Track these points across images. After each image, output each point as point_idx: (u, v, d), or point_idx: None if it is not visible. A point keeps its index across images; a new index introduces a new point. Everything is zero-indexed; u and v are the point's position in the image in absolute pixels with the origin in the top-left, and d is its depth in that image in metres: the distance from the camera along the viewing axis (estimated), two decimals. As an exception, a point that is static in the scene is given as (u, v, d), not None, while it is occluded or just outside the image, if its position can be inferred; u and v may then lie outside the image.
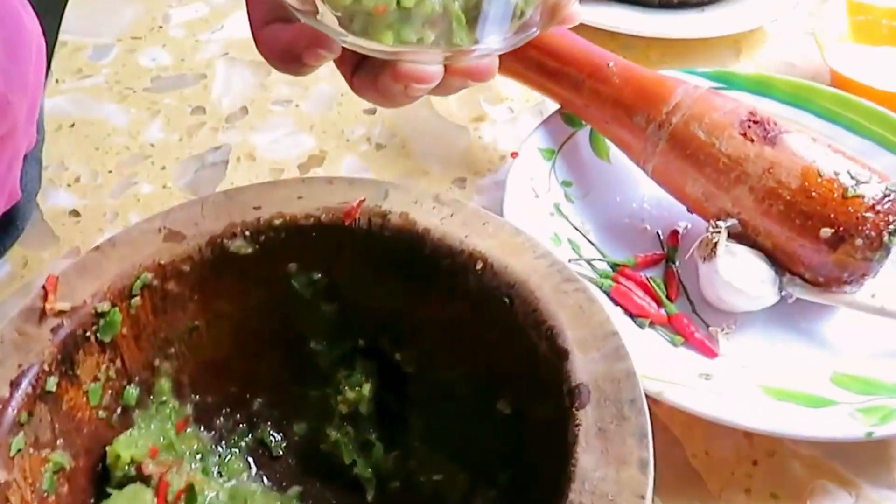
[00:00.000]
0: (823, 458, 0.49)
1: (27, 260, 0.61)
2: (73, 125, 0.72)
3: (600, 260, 0.58)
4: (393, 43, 0.34)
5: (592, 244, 0.59)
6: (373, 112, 0.72)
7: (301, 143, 0.70)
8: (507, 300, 0.37)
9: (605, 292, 0.56)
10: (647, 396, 0.47)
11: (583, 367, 0.33)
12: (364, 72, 0.39)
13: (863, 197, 0.51)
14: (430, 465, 0.42)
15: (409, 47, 0.34)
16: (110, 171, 0.68)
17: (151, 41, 0.80)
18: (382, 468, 0.43)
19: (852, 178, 0.52)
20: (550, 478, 0.32)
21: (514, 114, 0.73)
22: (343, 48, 0.36)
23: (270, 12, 0.39)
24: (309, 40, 0.37)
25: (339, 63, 0.40)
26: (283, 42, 0.38)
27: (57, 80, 0.76)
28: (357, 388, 0.42)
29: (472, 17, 0.33)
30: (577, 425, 0.31)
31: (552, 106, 0.66)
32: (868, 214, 0.51)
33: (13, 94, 0.56)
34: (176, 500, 0.37)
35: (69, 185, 0.66)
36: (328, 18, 0.34)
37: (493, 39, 0.35)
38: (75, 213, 0.64)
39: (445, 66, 0.37)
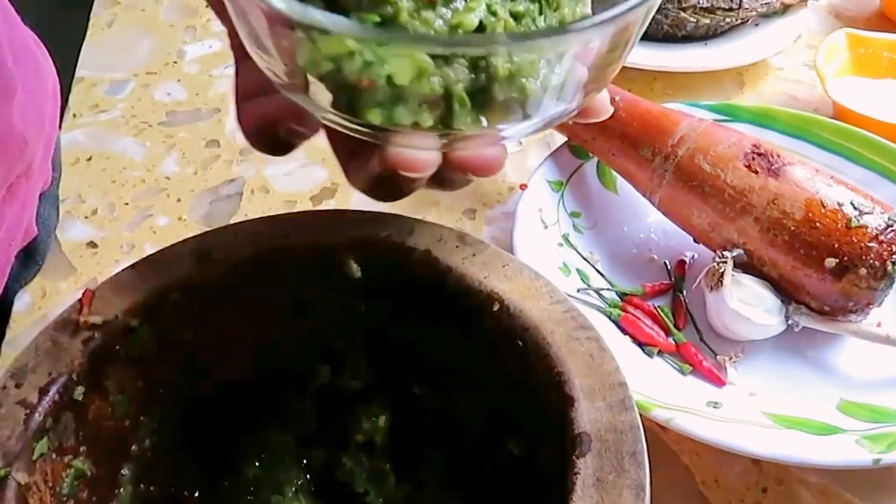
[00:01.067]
0: (832, 486, 0.50)
1: (46, 291, 0.62)
2: (90, 159, 0.73)
3: (608, 289, 0.59)
4: (381, 123, 0.29)
5: (601, 274, 0.60)
6: (383, 145, 0.73)
7: (314, 176, 0.71)
8: (520, 343, 0.37)
9: (613, 321, 0.56)
10: (656, 423, 0.49)
11: (587, 415, 0.33)
12: (356, 159, 0.35)
13: (866, 227, 0.52)
14: (440, 501, 0.43)
15: (399, 129, 0.29)
16: (127, 204, 0.69)
17: (166, 76, 0.82)
18: (394, 500, 0.44)
19: (855, 208, 0.53)
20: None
21: (522, 146, 0.74)
22: (337, 131, 0.31)
23: (257, 87, 0.35)
24: (284, 114, 0.33)
25: (335, 146, 0.38)
26: (259, 115, 0.35)
27: (74, 115, 0.77)
28: (374, 419, 0.43)
29: (479, 100, 0.29)
30: (575, 473, 0.31)
31: (560, 138, 0.67)
32: (872, 244, 0.52)
33: (30, 132, 0.58)
34: None
35: (86, 218, 0.68)
36: (313, 91, 0.30)
37: (504, 127, 0.30)
38: (92, 244, 0.66)
39: (444, 155, 0.32)
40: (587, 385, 0.34)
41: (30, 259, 0.63)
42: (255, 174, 0.71)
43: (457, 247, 0.39)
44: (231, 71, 0.81)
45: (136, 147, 0.74)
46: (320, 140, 0.78)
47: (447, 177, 0.33)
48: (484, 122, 0.29)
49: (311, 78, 0.29)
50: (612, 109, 0.35)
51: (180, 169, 0.72)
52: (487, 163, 0.32)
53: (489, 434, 0.41)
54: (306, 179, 0.71)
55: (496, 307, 0.37)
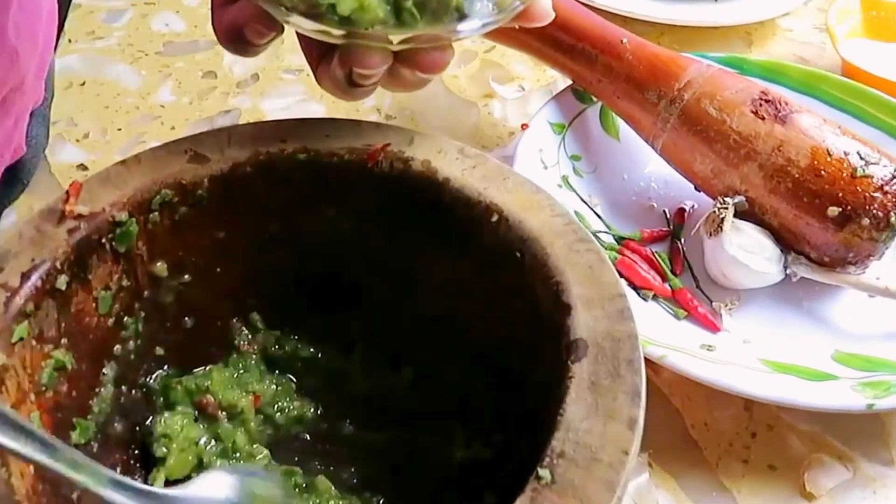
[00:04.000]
0: (821, 434, 0.49)
1: (34, 210, 0.61)
2: (83, 84, 0.72)
3: (606, 233, 0.58)
4: (336, 29, 0.33)
5: (599, 217, 0.59)
6: (384, 84, 0.72)
7: (311, 111, 0.70)
8: (518, 254, 0.36)
9: (610, 264, 0.56)
10: (648, 363, 0.48)
11: (584, 323, 0.33)
12: (325, 61, 0.39)
13: (871, 177, 0.51)
14: (429, 418, 0.42)
15: (355, 30, 0.33)
16: (119, 129, 0.68)
17: (165, 7, 0.80)
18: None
19: (862, 158, 0.52)
20: (543, 435, 0.31)
21: (525, 92, 0.73)
22: (306, 36, 0.37)
23: None
24: (250, 17, 0.37)
25: (307, 53, 0.41)
26: (228, 19, 0.39)
27: (70, 40, 0.76)
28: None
29: (424, 7, 0.33)
30: (570, 377, 0.31)
31: (563, 83, 0.66)
32: (876, 195, 0.51)
33: (22, 45, 0.56)
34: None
35: (77, 141, 0.66)
36: None
37: (445, 26, 0.34)
38: (83, 167, 0.64)
39: (395, 54, 0.36)
40: (585, 295, 0.33)
41: (14, 178, 0.62)
42: (252, 107, 0.70)
43: (457, 158, 0.39)
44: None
45: (132, 75, 0.73)
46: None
47: (400, 74, 0.37)
48: (429, 24, 0.34)
49: None
50: (553, 14, 0.38)
51: (176, 98, 0.71)
52: (435, 61, 0.36)
53: (483, 351, 0.40)
54: (303, 114, 0.69)
55: (495, 218, 0.36)
